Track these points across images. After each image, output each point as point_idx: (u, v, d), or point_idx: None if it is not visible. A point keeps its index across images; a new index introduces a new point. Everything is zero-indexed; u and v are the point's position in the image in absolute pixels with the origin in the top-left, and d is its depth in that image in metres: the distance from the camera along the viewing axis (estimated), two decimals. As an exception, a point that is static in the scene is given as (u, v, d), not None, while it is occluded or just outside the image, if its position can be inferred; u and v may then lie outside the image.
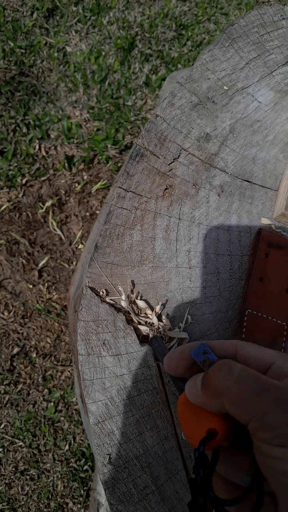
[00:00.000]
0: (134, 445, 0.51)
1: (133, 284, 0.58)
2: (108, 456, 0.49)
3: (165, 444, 0.52)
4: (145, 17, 1.87)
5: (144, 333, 0.57)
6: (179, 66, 1.83)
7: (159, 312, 0.58)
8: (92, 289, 0.56)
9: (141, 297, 0.58)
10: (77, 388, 0.73)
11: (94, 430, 0.50)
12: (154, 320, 0.57)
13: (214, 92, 0.69)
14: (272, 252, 0.62)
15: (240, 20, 0.75)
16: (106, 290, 0.57)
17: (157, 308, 0.58)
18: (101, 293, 0.56)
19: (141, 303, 0.58)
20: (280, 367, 0.33)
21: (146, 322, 0.57)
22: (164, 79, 1.79)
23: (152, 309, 0.58)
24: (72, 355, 0.68)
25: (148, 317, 0.57)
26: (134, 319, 0.56)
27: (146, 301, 0.59)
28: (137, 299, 0.58)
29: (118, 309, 0.56)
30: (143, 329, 0.57)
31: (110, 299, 0.57)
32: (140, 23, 1.85)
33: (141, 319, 0.57)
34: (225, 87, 0.70)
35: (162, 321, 0.58)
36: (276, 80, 0.73)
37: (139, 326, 0.56)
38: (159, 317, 0.58)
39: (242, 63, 0.72)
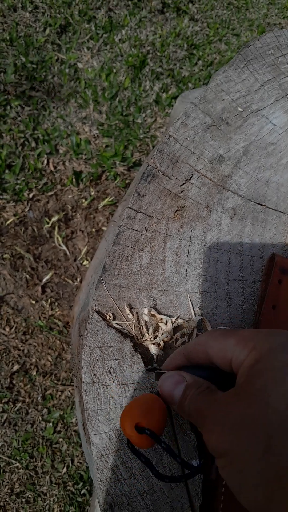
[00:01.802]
0: (139, 481, 0.48)
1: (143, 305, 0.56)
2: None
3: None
4: (157, 36, 1.88)
5: (155, 353, 0.55)
6: (190, 85, 1.84)
7: (171, 325, 0.56)
8: (98, 313, 0.54)
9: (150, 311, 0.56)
10: (78, 412, 0.70)
11: (97, 464, 0.47)
12: (169, 327, 0.55)
13: (228, 114, 0.67)
14: (286, 279, 0.60)
15: (255, 41, 0.74)
16: (113, 314, 0.55)
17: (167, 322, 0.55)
18: (107, 317, 0.54)
19: (148, 317, 0.56)
20: (235, 360, 0.35)
21: (155, 340, 0.55)
22: (174, 98, 1.79)
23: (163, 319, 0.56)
24: (73, 375, 0.66)
25: (160, 328, 0.55)
26: (147, 337, 0.54)
27: (156, 310, 0.57)
28: (146, 314, 0.56)
29: (125, 335, 0.54)
30: (153, 349, 0.54)
31: (117, 323, 0.55)
32: (152, 41, 1.87)
33: (151, 338, 0.55)
34: (239, 109, 0.68)
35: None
36: (291, 103, 0.72)
37: (149, 346, 0.54)
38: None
39: (257, 85, 0.71)
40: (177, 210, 0.61)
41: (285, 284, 0.60)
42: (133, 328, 0.55)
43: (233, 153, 0.66)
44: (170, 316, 0.57)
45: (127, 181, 1.63)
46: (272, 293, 0.59)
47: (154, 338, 0.55)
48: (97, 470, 0.47)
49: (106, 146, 1.67)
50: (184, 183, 0.62)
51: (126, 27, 1.88)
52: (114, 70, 1.79)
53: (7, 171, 1.55)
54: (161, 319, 0.56)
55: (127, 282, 0.57)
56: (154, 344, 0.55)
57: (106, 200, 1.58)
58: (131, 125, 1.72)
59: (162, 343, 0.56)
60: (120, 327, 0.54)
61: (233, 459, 0.31)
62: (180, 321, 0.57)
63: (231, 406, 0.33)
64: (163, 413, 0.42)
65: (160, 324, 0.56)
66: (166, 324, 0.56)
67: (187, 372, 0.42)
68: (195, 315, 0.58)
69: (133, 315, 0.55)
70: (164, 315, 0.57)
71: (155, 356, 0.55)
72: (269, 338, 0.34)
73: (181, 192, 0.62)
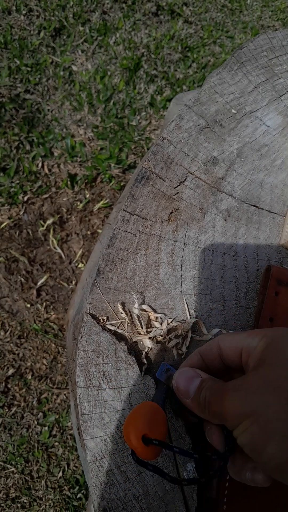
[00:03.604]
0: (134, 485, 0.48)
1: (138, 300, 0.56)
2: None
3: (166, 484, 0.49)
4: (151, 39, 1.88)
5: (148, 346, 0.54)
6: (184, 87, 1.84)
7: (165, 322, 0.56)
8: (93, 316, 0.53)
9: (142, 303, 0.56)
10: (73, 416, 0.70)
11: (92, 468, 0.46)
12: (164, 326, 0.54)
13: (222, 116, 0.67)
14: (282, 291, 0.59)
15: (249, 43, 0.74)
16: (107, 317, 0.54)
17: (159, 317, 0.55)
18: (101, 320, 0.54)
19: (145, 307, 0.56)
20: (247, 347, 0.38)
21: (150, 333, 0.55)
22: (169, 100, 1.79)
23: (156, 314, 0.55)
24: (68, 378, 0.65)
25: (155, 326, 0.55)
26: (141, 332, 0.54)
27: (150, 306, 0.56)
28: (141, 305, 0.56)
29: (120, 338, 0.53)
30: (148, 343, 0.54)
31: (111, 324, 0.54)
32: (146, 44, 1.87)
33: (144, 333, 0.55)
34: (233, 111, 0.68)
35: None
36: (284, 104, 0.72)
37: (144, 340, 0.54)
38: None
39: (251, 87, 0.71)
40: (171, 212, 0.61)
41: (282, 296, 0.59)
42: (125, 326, 0.55)
43: (227, 155, 0.66)
44: (165, 315, 0.57)
45: (122, 184, 1.62)
46: (269, 306, 0.58)
47: (147, 333, 0.55)
48: (91, 475, 0.46)
49: (101, 149, 1.67)
50: (178, 185, 0.62)
51: (120, 29, 1.88)
52: (109, 73, 1.79)
53: (1, 174, 1.55)
54: (156, 317, 0.56)
55: (121, 285, 0.56)
56: (148, 338, 0.55)
57: (101, 202, 1.58)
58: (126, 127, 1.72)
59: (155, 341, 0.55)
60: (114, 327, 0.54)
61: (258, 418, 0.33)
62: (175, 323, 0.56)
63: (252, 376, 0.35)
64: (165, 424, 0.42)
65: (155, 323, 0.56)
66: (161, 324, 0.56)
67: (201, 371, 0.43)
68: (190, 317, 0.57)
69: (126, 313, 0.55)
70: (160, 313, 0.57)
71: (143, 352, 0.54)
72: (276, 329, 0.38)
73: (175, 194, 0.62)
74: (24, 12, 1.81)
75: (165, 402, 0.48)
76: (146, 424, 0.40)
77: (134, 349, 0.55)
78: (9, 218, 1.51)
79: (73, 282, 1.50)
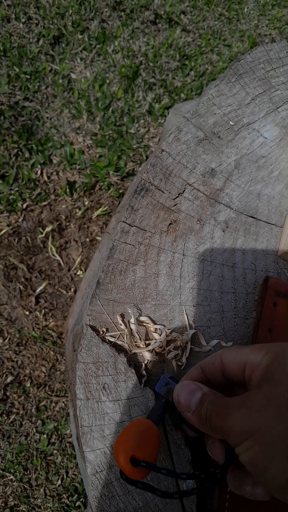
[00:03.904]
0: (134, 497, 0.48)
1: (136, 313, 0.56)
2: None
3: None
4: (149, 47, 1.90)
5: (147, 359, 0.55)
6: (182, 95, 1.85)
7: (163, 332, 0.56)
8: (92, 327, 0.54)
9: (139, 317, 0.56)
10: (72, 425, 0.70)
11: (92, 481, 0.47)
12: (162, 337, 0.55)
13: (220, 128, 0.68)
14: (281, 302, 0.60)
15: (246, 56, 0.75)
16: (107, 329, 0.55)
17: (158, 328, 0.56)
18: (101, 332, 0.54)
19: (144, 318, 0.56)
20: (250, 363, 0.38)
21: (150, 346, 0.55)
22: (167, 108, 1.80)
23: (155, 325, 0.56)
24: (67, 388, 0.66)
25: (154, 337, 0.55)
26: (140, 344, 0.54)
27: (149, 317, 0.57)
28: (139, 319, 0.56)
29: (119, 350, 0.54)
30: (147, 355, 0.55)
31: (111, 336, 0.55)
32: (145, 52, 1.88)
33: (144, 344, 0.55)
34: (231, 123, 0.69)
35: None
36: (281, 116, 0.73)
37: (143, 352, 0.54)
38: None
39: (248, 99, 0.72)
40: (170, 224, 0.62)
41: (280, 307, 0.59)
42: (125, 338, 0.55)
43: (225, 166, 0.67)
44: (164, 326, 0.57)
45: (120, 191, 1.63)
46: (267, 317, 0.59)
47: (146, 346, 0.55)
48: (92, 487, 0.47)
49: (100, 156, 1.67)
50: (177, 196, 0.63)
51: (119, 38, 1.90)
52: (107, 81, 1.80)
53: (0, 181, 1.55)
54: (155, 329, 0.56)
55: (121, 296, 0.57)
56: (148, 351, 0.55)
57: (100, 210, 1.58)
58: (124, 135, 1.73)
59: (154, 353, 0.56)
60: (114, 339, 0.54)
61: (260, 437, 0.33)
62: (174, 334, 0.57)
63: (255, 394, 0.35)
64: (157, 441, 0.42)
65: (154, 334, 0.56)
66: (160, 334, 0.56)
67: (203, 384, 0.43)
68: (190, 328, 0.58)
69: (125, 325, 0.55)
70: (159, 325, 0.57)
71: (143, 364, 0.55)
72: (281, 344, 0.38)
73: (174, 205, 0.62)
74: (23, 20, 1.82)
75: (163, 416, 0.48)
76: (135, 444, 0.40)
77: (133, 361, 0.55)
78: (8, 226, 1.52)
79: (72, 289, 1.51)
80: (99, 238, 1.56)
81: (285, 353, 0.36)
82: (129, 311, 0.56)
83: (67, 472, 1.33)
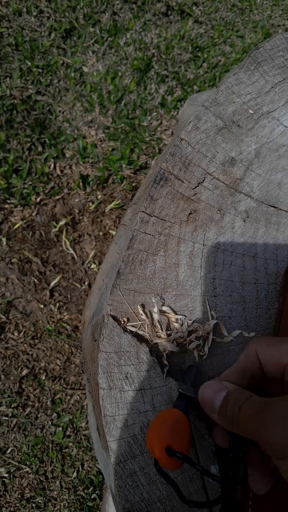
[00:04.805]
0: (158, 487, 0.48)
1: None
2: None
3: (190, 486, 0.49)
4: (161, 39, 1.88)
5: (168, 349, 0.54)
6: (195, 87, 1.84)
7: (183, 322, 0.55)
8: (113, 317, 0.53)
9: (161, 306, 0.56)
10: (91, 417, 0.70)
11: (116, 470, 0.47)
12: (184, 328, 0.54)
13: (240, 116, 0.67)
14: (303, 291, 0.59)
15: (265, 43, 0.73)
16: (128, 319, 0.54)
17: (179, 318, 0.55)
18: (122, 322, 0.54)
19: (165, 308, 0.56)
20: None
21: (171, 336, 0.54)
22: (180, 100, 1.79)
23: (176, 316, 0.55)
24: (86, 380, 0.65)
25: (175, 328, 0.55)
26: (161, 335, 0.54)
27: (170, 308, 0.56)
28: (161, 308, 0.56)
29: (141, 340, 0.54)
30: (169, 346, 0.54)
31: (132, 325, 0.54)
32: (157, 44, 1.87)
33: (164, 335, 0.54)
34: (250, 111, 0.68)
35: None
36: (302, 104, 0.72)
37: (164, 343, 0.54)
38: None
39: (268, 87, 0.71)
40: (190, 214, 0.61)
41: None
42: (146, 328, 0.55)
43: (245, 155, 0.66)
44: (185, 316, 0.57)
45: (133, 184, 1.63)
46: None
47: (168, 336, 0.55)
48: (115, 477, 0.46)
49: (113, 150, 1.67)
50: (197, 186, 0.62)
51: (130, 30, 1.88)
52: (120, 74, 1.79)
53: (14, 175, 1.56)
54: (176, 319, 0.56)
55: (141, 287, 0.56)
56: (168, 341, 0.55)
57: (113, 203, 1.58)
58: (137, 128, 1.72)
59: (175, 343, 0.55)
60: (135, 329, 0.54)
61: None
62: (195, 324, 0.56)
63: None
64: (189, 432, 0.42)
65: (175, 324, 0.56)
66: (181, 325, 0.56)
67: (228, 382, 0.41)
68: (211, 319, 0.57)
69: (146, 315, 0.55)
70: (180, 315, 0.57)
71: (165, 354, 0.54)
72: None
73: (194, 195, 0.62)
74: (34, 13, 1.81)
75: (187, 409, 0.48)
76: (170, 434, 0.40)
77: (155, 351, 0.55)
78: (22, 219, 1.52)
79: (86, 283, 1.51)
80: (112, 232, 1.56)
81: None
82: (153, 300, 0.56)
83: (82, 465, 1.34)
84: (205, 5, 2.03)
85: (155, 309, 0.55)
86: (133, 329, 0.54)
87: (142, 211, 0.59)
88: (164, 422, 0.41)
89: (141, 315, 0.55)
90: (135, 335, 0.54)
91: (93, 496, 1.31)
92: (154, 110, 1.77)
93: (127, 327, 0.54)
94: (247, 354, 0.41)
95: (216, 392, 0.40)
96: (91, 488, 1.32)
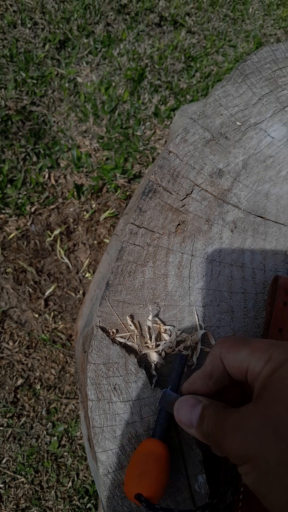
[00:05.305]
0: (145, 498, 0.48)
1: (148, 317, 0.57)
2: None
3: (178, 496, 0.50)
4: (154, 49, 1.90)
5: (156, 360, 0.55)
6: (188, 97, 1.86)
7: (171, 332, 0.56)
8: (103, 329, 0.54)
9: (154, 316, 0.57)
10: (83, 427, 0.70)
11: (104, 481, 0.47)
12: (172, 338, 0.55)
13: (227, 128, 0.68)
14: (291, 301, 0.59)
15: (252, 56, 0.75)
16: (117, 330, 0.55)
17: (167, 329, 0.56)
18: (111, 333, 0.54)
19: (151, 323, 0.56)
20: (251, 370, 0.36)
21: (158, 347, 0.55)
22: (173, 110, 1.81)
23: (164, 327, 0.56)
24: (77, 389, 0.66)
25: (164, 338, 0.55)
26: (150, 345, 0.55)
27: (161, 320, 0.57)
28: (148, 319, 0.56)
29: (130, 351, 0.54)
30: (155, 357, 0.55)
31: (121, 337, 0.55)
32: (150, 55, 1.89)
33: (153, 346, 0.55)
34: (238, 123, 0.69)
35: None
36: (289, 116, 0.73)
37: (151, 353, 0.55)
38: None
39: (255, 99, 0.72)
40: (178, 225, 0.62)
41: None
42: (135, 339, 0.55)
43: (233, 166, 0.67)
44: (174, 327, 0.57)
45: (127, 193, 1.64)
46: (277, 316, 0.58)
47: (156, 347, 0.56)
48: (104, 488, 0.47)
49: (107, 159, 1.68)
50: (185, 197, 0.63)
51: (124, 41, 1.91)
52: (113, 84, 1.81)
53: (9, 185, 1.57)
54: (165, 329, 0.57)
55: (130, 298, 0.57)
56: (156, 352, 0.55)
57: (107, 212, 1.59)
58: (130, 137, 1.73)
59: (163, 354, 0.56)
60: (124, 340, 0.55)
61: (258, 463, 0.31)
62: (184, 335, 0.57)
63: (252, 413, 0.33)
64: (163, 466, 0.43)
65: (163, 334, 0.56)
66: (170, 335, 0.56)
67: (202, 396, 0.41)
68: (200, 329, 0.58)
69: (135, 326, 0.56)
70: (169, 325, 0.57)
71: (153, 364, 0.55)
72: (284, 349, 0.35)
73: (182, 206, 0.63)
74: (29, 25, 1.83)
75: (168, 429, 0.48)
76: (139, 480, 0.42)
77: (143, 361, 0.55)
78: (17, 229, 1.53)
79: (80, 292, 1.51)
80: (106, 241, 1.56)
81: (286, 363, 0.34)
82: (149, 307, 0.56)
83: (77, 474, 1.34)
84: (197, 15, 2.05)
85: (150, 317, 0.55)
86: (122, 340, 0.55)
87: (131, 223, 0.60)
88: (133, 467, 0.43)
89: (130, 325, 0.56)
90: (124, 346, 0.55)
91: (88, 505, 1.31)
92: (148, 119, 1.78)
93: (116, 338, 0.55)
94: (212, 358, 0.40)
95: (192, 407, 0.39)
96: (86, 497, 1.31)
